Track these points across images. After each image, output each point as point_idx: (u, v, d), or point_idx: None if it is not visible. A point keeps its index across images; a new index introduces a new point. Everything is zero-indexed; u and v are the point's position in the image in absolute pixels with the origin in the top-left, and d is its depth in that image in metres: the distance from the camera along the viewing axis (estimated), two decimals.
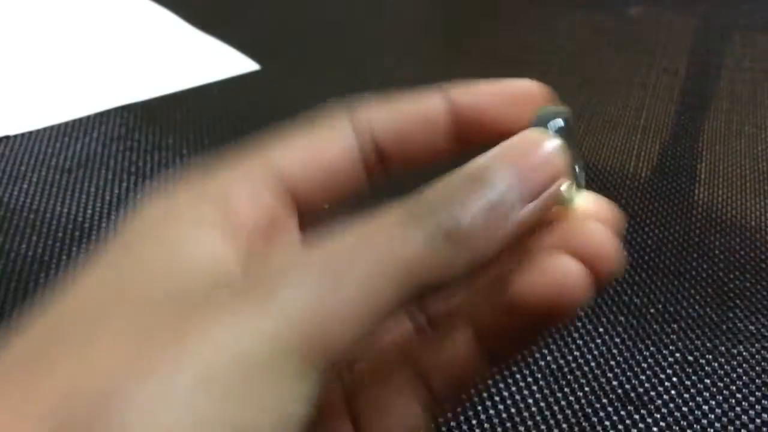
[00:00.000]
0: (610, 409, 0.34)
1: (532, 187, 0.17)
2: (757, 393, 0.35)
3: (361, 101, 0.22)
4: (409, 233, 0.16)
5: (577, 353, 0.37)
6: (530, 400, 0.34)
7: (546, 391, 0.34)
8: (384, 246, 0.16)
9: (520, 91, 0.21)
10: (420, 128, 0.21)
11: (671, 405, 0.34)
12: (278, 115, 0.63)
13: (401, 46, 0.75)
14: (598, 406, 0.34)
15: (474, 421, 0.33)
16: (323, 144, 0.21)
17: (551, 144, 0.18)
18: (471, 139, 0.21)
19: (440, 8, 0.90)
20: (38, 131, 0.55)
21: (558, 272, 0.18)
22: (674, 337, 0.38)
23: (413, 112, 0.21)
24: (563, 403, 0.34)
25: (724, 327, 0.39)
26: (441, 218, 0.16)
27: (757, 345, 0.38)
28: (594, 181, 0.52)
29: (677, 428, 0.33)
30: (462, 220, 0.16)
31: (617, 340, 0.38)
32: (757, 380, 0.35)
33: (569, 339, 0.37)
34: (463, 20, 0.83)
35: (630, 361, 0.36)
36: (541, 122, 0.20)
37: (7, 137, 0.54)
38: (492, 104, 0.21)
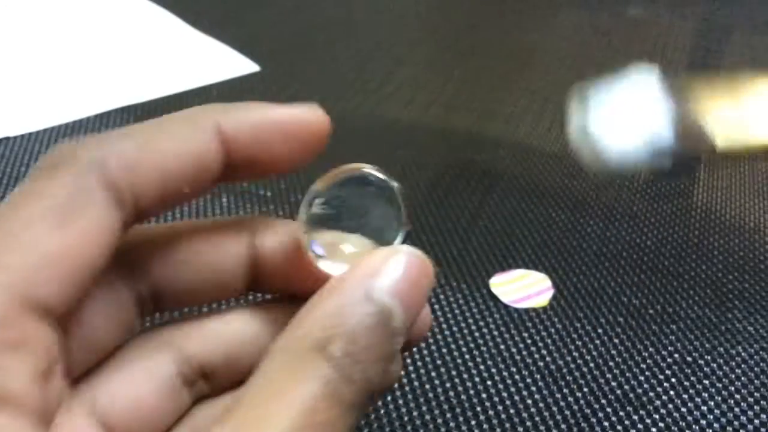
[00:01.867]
0: (608, 409, 0.34)
1: (414, 317, 0.17)
2: (755, 394, 0.35)
3: (109, 147, 0.16)
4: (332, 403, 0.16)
5: (575, 354, 0.37)
6: (529, 401, 0.34)
7: (545, 392, 0.34)
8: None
9: (295, 122, 0.19)
10: (187, 171, 0.17)
11: (670, 406, 0.34)
12: None
13: (401, 46, 0.75)
14: (596, 406, 0.34)
15: (473, 422, 0.33)
16: (80, 250, 0.15)
17: (428, 265, 0.18)
18: (242, 168, 0.18)
19: (440, 8, 0.90)
20: (38, 132, 0.55)
21: None
22: (673, 337, 0.38)
23: (179, 152, 0.17)
24: (562, 403, 0.34)
25: (723, 328, 0.39)
26: (359, 377, 0.16)
27: (755, 345, 0.38)
28: (593, 183, 0.52)
29: (676, 429, 0.33)
30: (376, 380, 0.16)
31: (616, 340, 0.38)
32: (755, 381, 0.36)
33: (568, 340, 0.37)
34: (463, 20, 0.83)
35: (629, 362, 0.36)
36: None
37: (7, 138, 0.54)
38: (265, 136, 0.18)
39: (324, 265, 0.19)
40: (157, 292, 0.19)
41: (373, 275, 0.17)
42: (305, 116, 0.19)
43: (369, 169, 0.19)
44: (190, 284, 0.19)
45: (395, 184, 0.19)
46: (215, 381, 0.20)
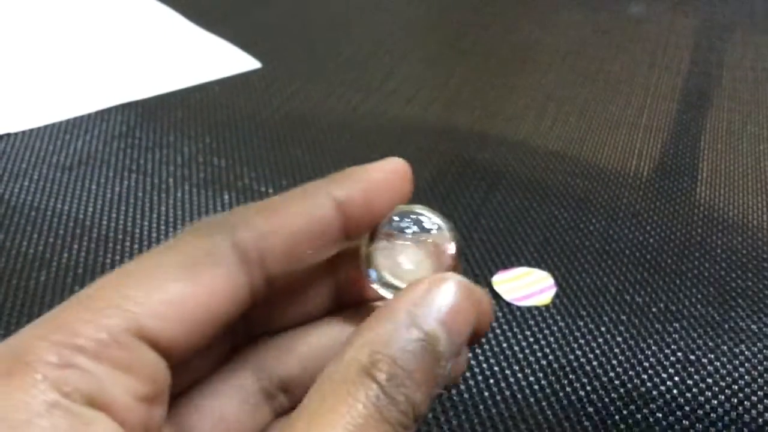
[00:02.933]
0: (611, 408, 0.34)
1: (460, 344, 0.18)
2: (759, 392, 0.35)
3: (240, 216, 0.19)
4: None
5: (578, 352, 0.37)
6: (531, 399, 0.34)
7: (547, 390, 0.34)
8: None
9: (388, 173, 0.21)
10: (312, 239, 0.19)
11: (673, 404, 0.34)
12: (279, 114, 0.63)
13: (402, 45, 0.75)
14: (599, 405, 0.34)
15: (476, 420, 0.33)
16: (204, 299, 0.17)
17: (475, 295, 0.18)
18: (356, 229, 0.20)
19: (440, 8, 0.89)
20: (39, 129, 0.55)
21: None
22: (676, 336, 0.38)
23: (304, 222, 0.19)
24: (565, 402, 0.34)
25: (726, 326, 0.39)
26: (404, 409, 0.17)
27: (759, 344, 0.38)
28: (596, 181, 0.52)
29: (679, 427, 0.33)
30: (422, 404, 0.17)
31: (619, 339, 0.38)
32: (759, 379, 0.35)
33: (571, 338, 0.37)
34: (464, 18, 0.83)
35: (632, 360, 0.36)
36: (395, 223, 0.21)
37: (8, 135, 0.54)
38: (370, 192, 0.20)
39: (378, 289, 0.20)
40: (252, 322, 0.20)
41: (419, 302, 0.18)
42: (394, 168, 0.21)
43: (421, 209, 0.21)
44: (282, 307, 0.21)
45: (444, 223, 0.21)
46: (294, 394, 0.21)
